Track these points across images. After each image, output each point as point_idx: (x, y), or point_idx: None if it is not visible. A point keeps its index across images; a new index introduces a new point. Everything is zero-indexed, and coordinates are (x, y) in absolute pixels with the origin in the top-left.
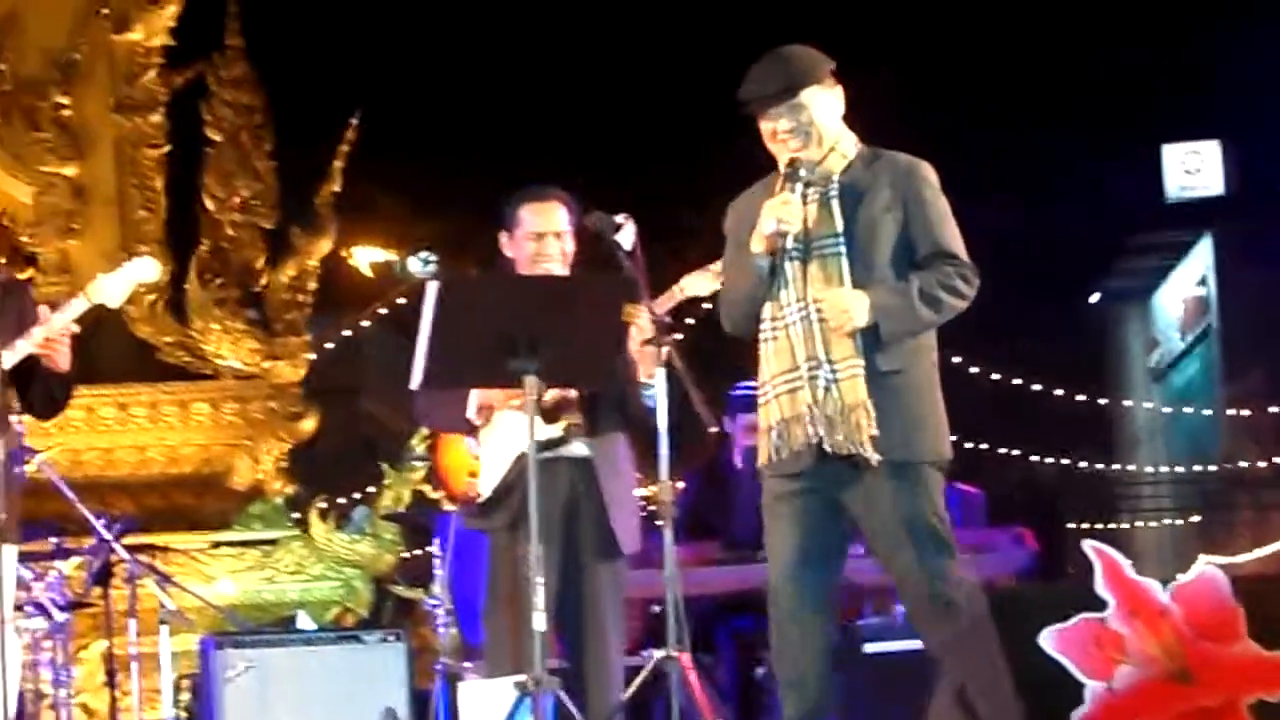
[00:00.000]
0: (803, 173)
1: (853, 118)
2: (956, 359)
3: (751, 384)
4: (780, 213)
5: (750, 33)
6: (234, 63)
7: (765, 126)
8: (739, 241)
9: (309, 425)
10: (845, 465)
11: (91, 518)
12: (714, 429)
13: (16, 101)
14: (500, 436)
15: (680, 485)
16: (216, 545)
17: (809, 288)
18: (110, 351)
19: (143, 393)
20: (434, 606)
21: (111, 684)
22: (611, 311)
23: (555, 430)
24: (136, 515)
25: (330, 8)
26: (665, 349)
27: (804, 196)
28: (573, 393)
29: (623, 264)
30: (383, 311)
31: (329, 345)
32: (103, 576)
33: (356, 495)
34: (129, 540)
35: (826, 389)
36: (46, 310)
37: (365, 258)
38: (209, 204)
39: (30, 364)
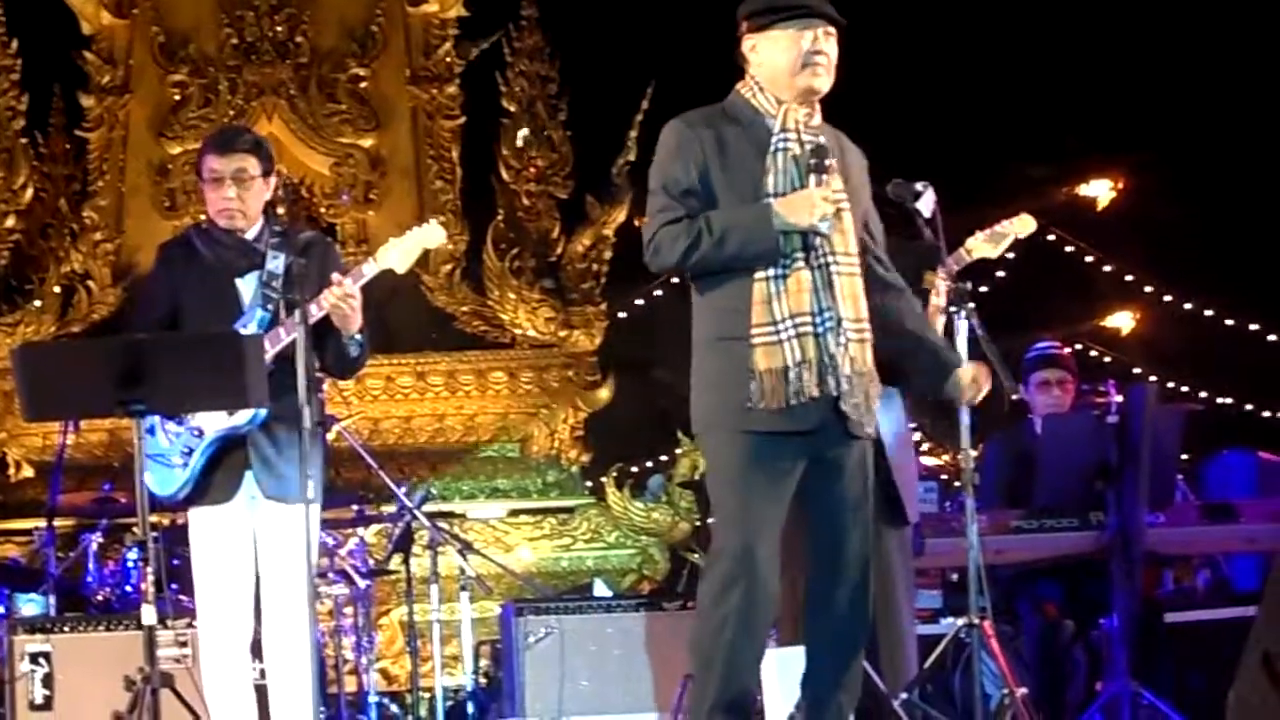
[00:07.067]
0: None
1: None
2: (1254, 326)
3: (1046, 344)
4: (827, 210)
5: None
6: (529, 33)
7: (790, 42)
8: (716, 168)
9: (605, 394)
10: (846, 428)
11: (393, 485)
12: (1016, 396)
13: (314, 73)
14: None
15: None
16: (514, 513)
17: (826, 238)
18: (408, 321)
19: (440, 362)
20: None
21: (412, 650)
22: (913, 281)
23: None
24: (435, 483)
25: None
26: (966, 316)
27: (801, 143)
28: None
29: (922, 231)
30: (675, 280)
31: (623, 315)
32: (404, 544)
33: (651, 464)
34: (429, 508)
35: (844, 347)
36: (338, 277)
37: None
38: (505, 174)
39: (325, 327)
